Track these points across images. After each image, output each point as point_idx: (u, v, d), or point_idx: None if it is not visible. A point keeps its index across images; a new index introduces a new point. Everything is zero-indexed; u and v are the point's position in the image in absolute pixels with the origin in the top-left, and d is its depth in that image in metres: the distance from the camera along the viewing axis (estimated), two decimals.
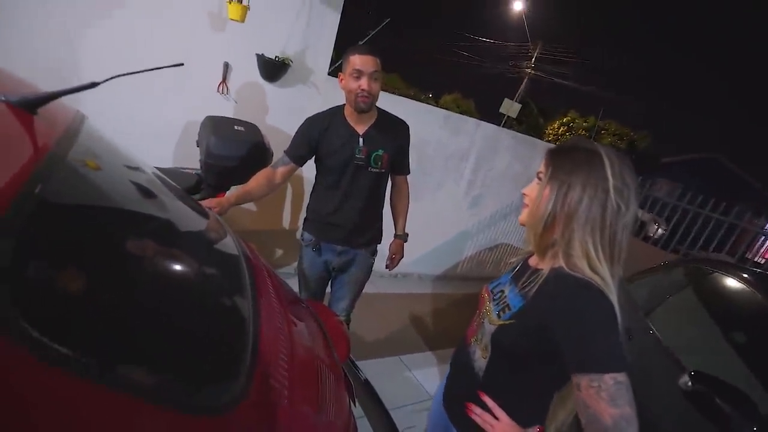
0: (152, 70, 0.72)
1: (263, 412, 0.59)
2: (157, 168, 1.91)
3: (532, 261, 0.85)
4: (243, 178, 2.04)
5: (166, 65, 0.76)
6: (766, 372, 1.26)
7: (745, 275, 1.69)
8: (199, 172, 2.02)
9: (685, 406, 1.20)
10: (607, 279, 0.69)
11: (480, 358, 0.82)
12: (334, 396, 0.85)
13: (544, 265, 0.77)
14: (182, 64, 0.75)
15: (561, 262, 0.73)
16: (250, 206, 2.65)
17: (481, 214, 3.82)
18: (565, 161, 0.74)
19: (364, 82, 1.37)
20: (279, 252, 2.92)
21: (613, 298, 0.68)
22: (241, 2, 1.96)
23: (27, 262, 0.44)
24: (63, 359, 0.40)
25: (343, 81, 1.43)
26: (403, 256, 1.77)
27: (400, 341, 2.59)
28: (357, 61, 1.37)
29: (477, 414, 0.80)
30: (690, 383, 1.19)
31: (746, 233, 5.11)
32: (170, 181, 0.96)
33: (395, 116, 1.61)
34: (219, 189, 2.00)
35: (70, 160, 0.60)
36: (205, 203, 1.21)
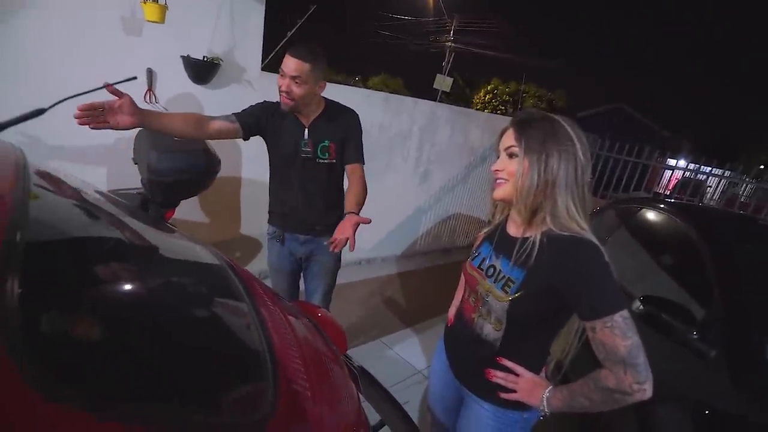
0: (103, 88, 0.66)
1: (296, 420, 0.60)
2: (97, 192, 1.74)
3: (513, 230, 0.91)
4: (192, 191, 1.94)
5: (119, 81, 0.70)
6: (693, 285, 1.49)
7: (665, 207, 1.95)
8: (142, 191, 1.88)
9: (640, 327, 1.38)
10: (590, 231, 0.80)
11: (493, 331, 0.90)
12: (345, 388, 0.87)
13: (532, 232, 0.85)
14: (135, 78, 0.70)
15: (549, 225, 0.81)
16: (203, 218, 2.52)
17: (431, 189, 3.95)
18: (535, 133, 0.81)
19: (284, 83, 1.38)
20: (240, 257, 2.81)
21: (600, 245, 0.78)
22: (158, 1, 1.81)
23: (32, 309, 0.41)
24: (75, 398, 0.39)
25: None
26: (353, 233, 1.38)
27: (377, 324, 2.66)
28: (285, 60, 1.38)
29: (500, 377, 0.89)
30: (641, 307, 1.38)
31: (655, 171, 5.81)
32: (127, 204, 0.90)
33: (344, 105, 1.61)
34: (167, 206, 1.88)
35: (35, 198, 0.55)
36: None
